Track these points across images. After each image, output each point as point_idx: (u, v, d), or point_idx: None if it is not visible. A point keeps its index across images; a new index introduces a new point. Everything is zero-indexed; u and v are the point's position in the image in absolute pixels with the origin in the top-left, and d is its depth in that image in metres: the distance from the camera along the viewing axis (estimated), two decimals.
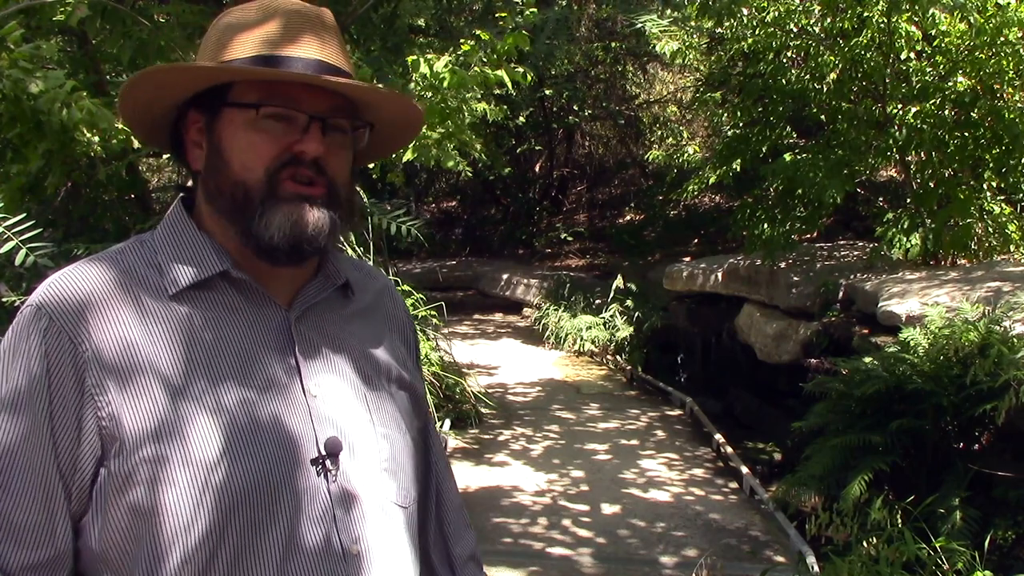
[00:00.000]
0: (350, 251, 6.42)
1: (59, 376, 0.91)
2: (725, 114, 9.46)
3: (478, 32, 4.57)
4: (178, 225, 1.03)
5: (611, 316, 10.45)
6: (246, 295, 1.02)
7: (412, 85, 5.17)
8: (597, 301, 11.03)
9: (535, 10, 3.60)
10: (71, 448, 0.91)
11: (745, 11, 6.99)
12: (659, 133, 16.23)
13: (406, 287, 7.42)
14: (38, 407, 0.91)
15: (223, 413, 0.94)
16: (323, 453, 0.99)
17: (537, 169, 17.62)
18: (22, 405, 0.91)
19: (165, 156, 3.88)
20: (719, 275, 8.59)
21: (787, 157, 7.12)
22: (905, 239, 6.86)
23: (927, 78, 6.67)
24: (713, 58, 9.06)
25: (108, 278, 0.97)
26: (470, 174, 7.60)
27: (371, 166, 6.32)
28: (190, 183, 1.10)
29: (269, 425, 0.97)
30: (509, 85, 5.26)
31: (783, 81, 7.31)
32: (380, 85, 1.05)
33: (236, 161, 0.99)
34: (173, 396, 0.93)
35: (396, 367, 1.13)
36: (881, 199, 8.91)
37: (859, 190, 8.34)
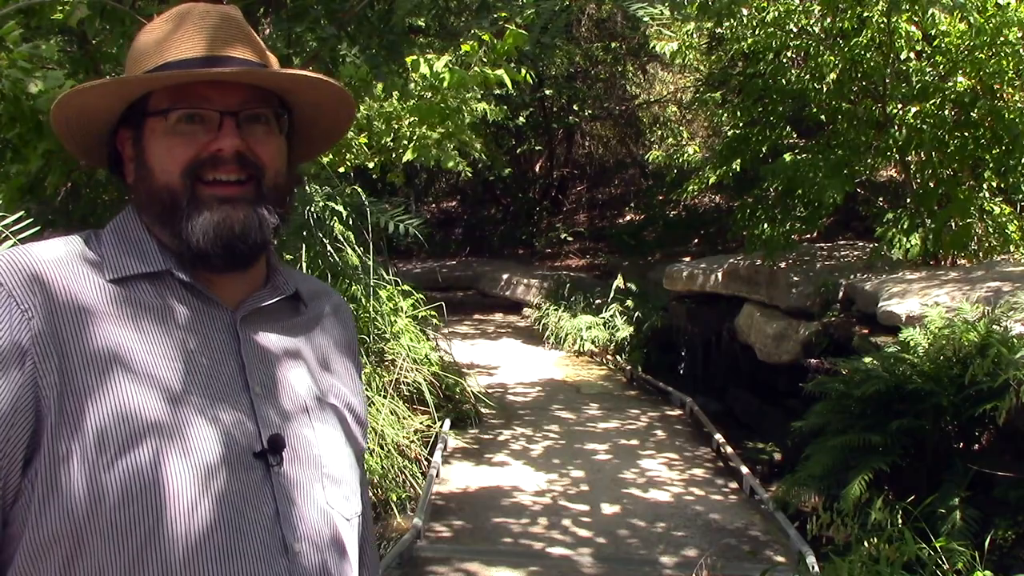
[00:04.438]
0: (350, 251, 6.42)
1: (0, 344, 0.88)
2: (725, 114, 9.46)
3: (478, 32, 4.58)
4: (127, 224, 1.05)
5: (611, 316, 10.45)
6: (192, 294, 1.02)
7: (412, 85, 5.17)
8: (597, 301, 11.03)
9: (533, 11, 3.60)
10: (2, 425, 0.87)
11: (745, 11, 6.99)
12: (659, 133, 16.23)
13: (406, 287, 7.43)
14: None
15: (169, 400, 0.93)
16: (267, 447, 0.98)
17: (537, 169, 17.62)
18: None
19: None
20: (719, 275, 8.59)
21: (787, 157, 7.12)
22: (905, 239, 6.86)
23: (927, 78, 6.67)
24: (713, 58, 9.07)
25: (58, 256, 0.97)
26: (470, 174, 7.61)
27: (371, 166, 6.32)
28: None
29: (212, 417, 0.96)
30: (509, 85, 5.26)
31: (783, 81, 7.31)
32: (292, 70, 1.02)
33: (156, 167, 1.00)
34: (117, 376, 0.92)
35: (341, 386, 1.13)
36: (881, 199, 8.90)
37: (859, 190, 8.34)
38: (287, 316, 1.10)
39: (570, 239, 15.51)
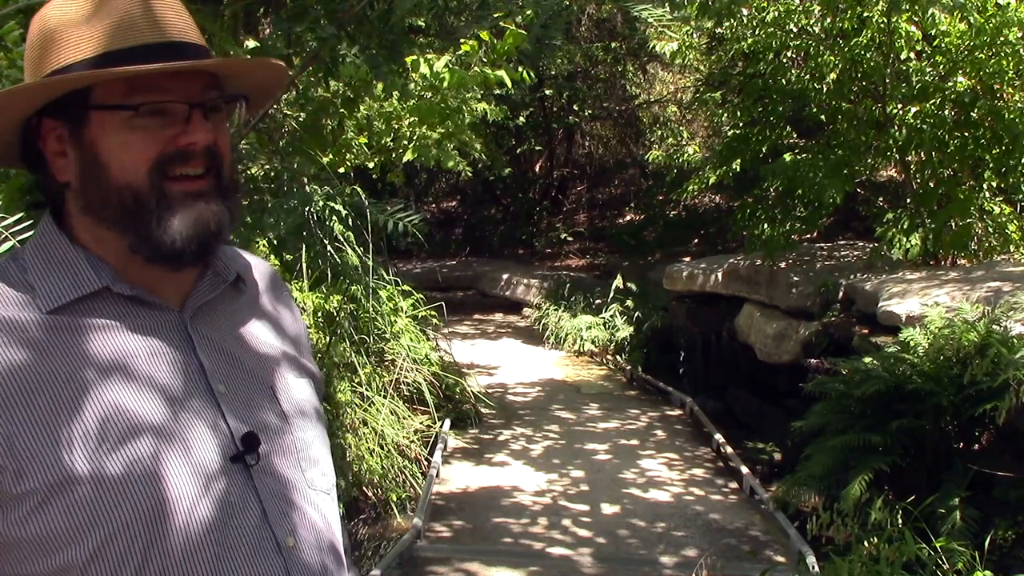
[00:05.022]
0: (350, 251, 6.42)
1: None
2: (725, 114, 9.47)
3: (478, 32, 4.58)
4: (49, 240, 0.96)
5: (611, 316, 10.45)
6: (134, 304, 0.96)
7: (412, 85, 5.17)
8: (597, 301, 11.03)
9: (533, 11, 3.59)
10: None
11: (745, 11, 6.99)
12: (659, 133, 16.23)
13: (406, 287, 7.43)
14: None
15: (132, 427, 0.89)
16: (242, 449, 0.95)
17: (537, 169, 17.62)
18: None
19: None
20: (719, 275, 8.59)
21: (787, 157, 7.12)
22: (905, 239, 6.85)
23: (927, 78, 6.67)
24: (713, 58, 9.07)
25: None
26: (470, 174, 7.61)
27: (371, 166, 6.32)
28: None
29: (184, 430, 0.92)
30: (509, 85, 5.26)
31: (783, 81, 7.31)
32: (241, 57, 1.01)
33: (115, 166, 0.91)
34: (70, 412, 0.87)
35: (295, 354, 1.10)
36: (881, 199, 8.90)
37: (859, 190, 8.34)
38: (230, 300, 1.06)
39: (570, 239, 15.51)
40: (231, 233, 0.99)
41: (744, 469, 5.92)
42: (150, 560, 0.87)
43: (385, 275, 6.93)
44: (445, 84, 5.18)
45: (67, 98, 0.92)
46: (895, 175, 9.28)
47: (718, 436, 6.71)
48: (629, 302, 10.47)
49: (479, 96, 6.01)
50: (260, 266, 1.15)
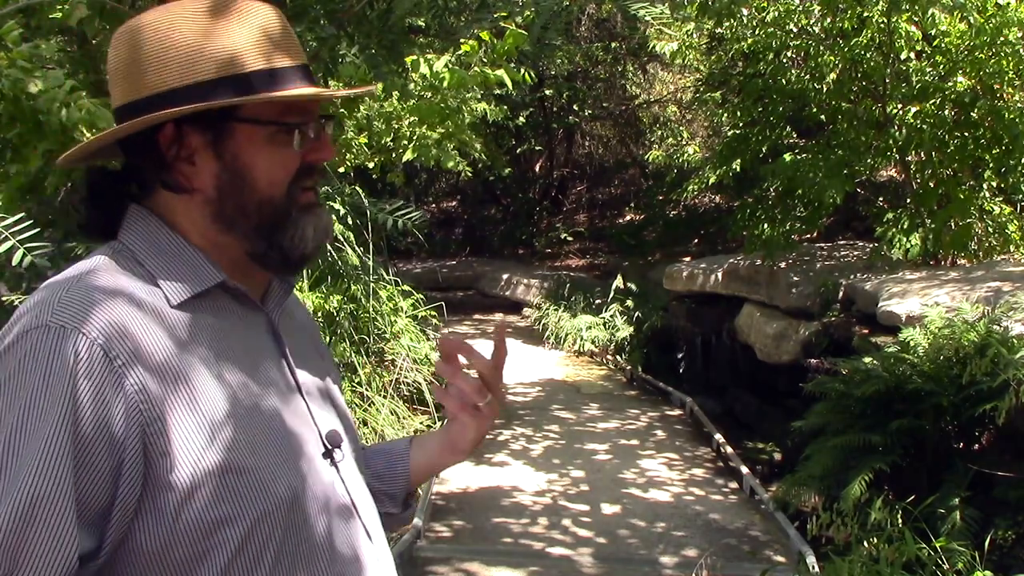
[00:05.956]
0: (350, 251, 6.42)
1: (92, 399, 0.83)
2: (725, 114, 9.46)
3: (478, 32, 4.58)
4: (161, 238, 0.97)
5: (611, 316, 10.45)
6: (237, 301, 1.01)
7: (412, 85, 5.17)
8: (597, 301, 11.03)
9: (533, 11, 3.60)
10: (103, 473, 0.84)
11: (745, 11, 6.99)
12: (659, 133, 16.23)
13: (406, 287, 7.43)
14: (61, 435, 0.82)
15: (256, 417, 0.94)
16: (328, 446, 1.01)
17: (537, 169, 17.62)
18: (44, 438, 0.81)
19: None
20: (719, 275, 8.59)
21: (787, 157, 7.12)
22: (905, 239, 6.85)
23: (927, 78, 6.66)
24: (713, 58, 9.06)
25: (115, 291, 0.91)
26: (470, 174, 7.60)
27: (371, 166, 6.32)
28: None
29: (287, 425, 0.98)
30: (509, 85, 5.25)
31: (783, 81, 7.31)
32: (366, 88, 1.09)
33: (262, 179, 0.96)
34: (211, 403, 0.90)
35: (328, 355, 1.17)
36: (881, 199, 8.90)
37: (859, 190, 8.34)
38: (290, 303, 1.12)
39: (570, 239, 15.51)
40: None
41: (744, 469, 5.92)
42: (285, 548, 0.92)
43: (385, 275, 6.93)
44: (445, 84, 5.17)
45: (212, 109, 0.93)
46: (895, 175, 9.28)
47: (718, 436, 6.71)
48: (629, 302, 10.47)
49: (479, 96, 6.00)
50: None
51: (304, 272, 5.70)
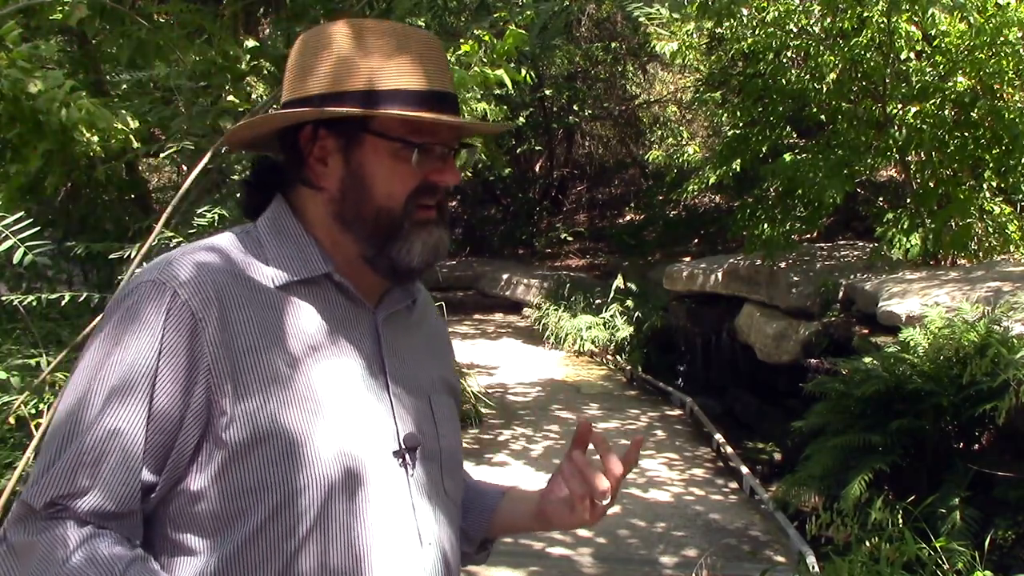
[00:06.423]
0: None
1: (174, 349, 0.96)
2: (725, 114, 9.46)
3: (478, 32, 4.58)
4: (286, 225, 1.08)
5: (611, 316, 10.44)
6: (343, 295, 1.08)
7: None
8: (597, 301, 11.03)
9: (533, 10, 3.61)
10: (170, 419, 0.95)
11: (745, 11, 6.99)
12: (659, 133, 16.23)
13: None
14: (144, 376, 0.95)
15: (325, 400, 1.00)
16: (403, 447, 1.06)
17: (537, 169, 17.62)
18: (131, 372, 0.95)
19: (163, 156, 3.88)
20: (719, 275, 8.59)
21: (787, 157, 7.12)
22: (905, 239, 6.85)
23: (927, 78, 6.66)
24: (713, 58, 9.05)
25: (223, 263, 1.02)
26: (470, 174, 7.60)
27: None
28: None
29: (362, 416, 1.03)
30: (509, 85, 5.25)
31: (783, 81, 7.31)
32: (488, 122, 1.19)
33: (380, 189, 1.04)
34: (282, 379, 0.98)
35: (447, 374, 1.22)
36: (881, 199, 8.90)
37: (859, 190, 8.34)
38: (405, 315, 1.17)
39: (570, 239, 15.51)
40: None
41: (744, 469, 5.92)
42: (317, 527, 0.97)
43: None
44: None
45: (348, 117, 1.03)
46: (895, 175, 9.28)
47: (718, 436, 6.71)
48: (629, 302, 10.47)
49: (479, 96, 6.00)
50: (425, 293, 1.27)
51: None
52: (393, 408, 1.07)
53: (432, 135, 1.04)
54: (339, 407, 1.01)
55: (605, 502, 1.12)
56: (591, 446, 1.15)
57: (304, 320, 1.03)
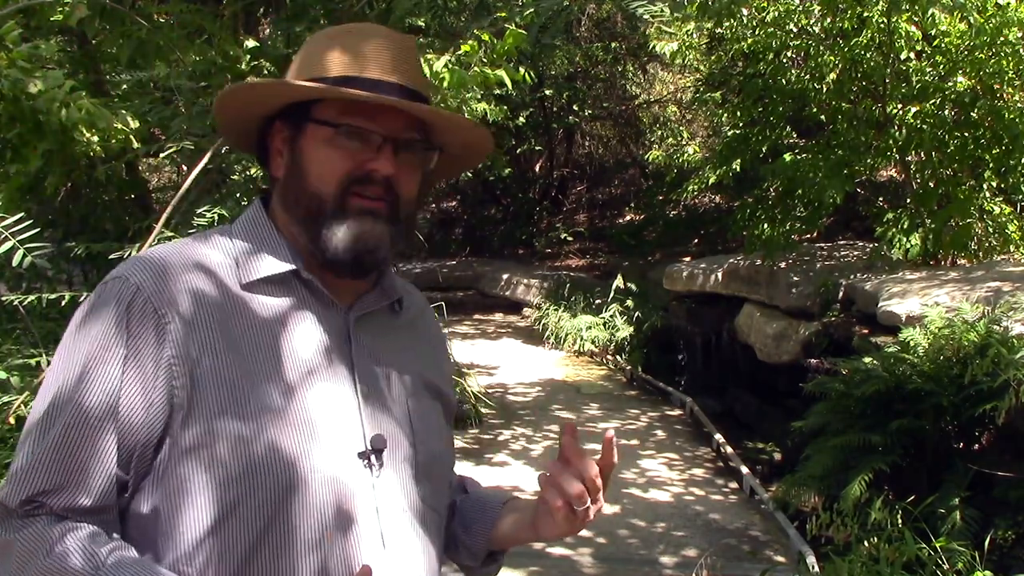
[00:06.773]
0: None
1: (138, 342, 0.97)
2: (725, 114, 9.46)
3: (478, 32, 4.58)
4: (257, 224, 1.10)
5: (611, 316, 10.45)
6: (313, 294, 1.08)
7: None
8: (597, 301, 11.03)
9: (533, 11, 3.61)
10: (137, 411, 0.96)
11: (745, 11, 6.99)
12: (659, 133, 16.22)
13: None
14: (111, 368, 0.96)
15: (286, 398, 1.00)
16: (369, 448, 1.04)
17: (537, 169, 17.62)
18: (97, 365, 0.96)
19: (163, 156, 3.89)
20: (719, 275, 8.59)
21: (787, 157, 7.12)
22: (905, 239, 6.86)
23: (927, 78, 6.66)
24: (713, 58, 9.06)
25: (191, 261, 1.03)
26: (470, 174, 7.60)
27: None
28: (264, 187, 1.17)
29: (323, 415, 1.02)
30: (509, 85, 5.25)
31: (783, 81, 7.31)
32: (452, 112, 1.18)
33: (313, 173, 1.05)
34: (242, 376, 0.99)
35: (434, 379, 1.20)
36: (881, 199, 8.90)
37: (859, 190, 8.34)
38: (387, 317, 1.16)
39: (570, 239, 15.50)
40: (389, 256, 1.09)
41: (744, 469, 5.92)
42: (273, 527, 0.97)
43: None
44: (445, 84, 5.16)
45: (296, 107, 1.07)
46: (895, 175, 9.28)
47: (718, 436, 6.71)
48: (629, 302, 10.47)
49: (479, 96, 6.00)
50: (418, 297, 1.27)
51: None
52: (361, 409, 1.05)
53: (367, 121, 1.04)
54: (298, 406, 1.00)
55: (583, 507, 1.08)
56: (589, 446, 1.13)
57: (268, 318, 1.03)
